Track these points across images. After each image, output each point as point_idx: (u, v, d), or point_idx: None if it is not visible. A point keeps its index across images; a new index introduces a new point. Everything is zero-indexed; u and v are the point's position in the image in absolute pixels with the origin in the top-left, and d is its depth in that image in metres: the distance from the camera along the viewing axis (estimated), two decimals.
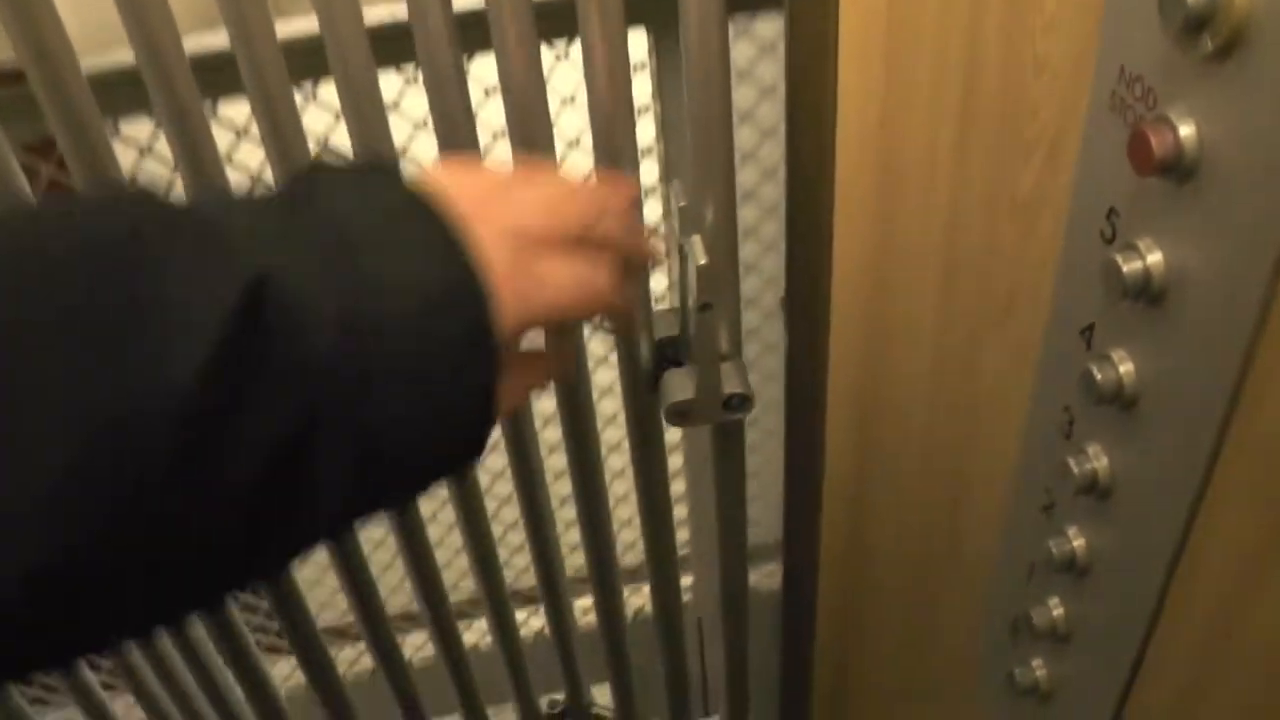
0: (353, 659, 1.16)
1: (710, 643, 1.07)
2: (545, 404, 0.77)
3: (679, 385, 0.65)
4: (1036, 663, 0.52)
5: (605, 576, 0.91)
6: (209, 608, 0.38)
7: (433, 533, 0.86)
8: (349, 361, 0.35)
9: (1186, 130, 0.33)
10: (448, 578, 0.92)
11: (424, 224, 0.39)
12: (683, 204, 0.63)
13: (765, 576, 1.02)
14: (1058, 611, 0.48)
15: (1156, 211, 0.36)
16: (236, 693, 0.92)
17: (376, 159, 0.42)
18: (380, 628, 0.91)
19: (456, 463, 0.41)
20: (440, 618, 0.92)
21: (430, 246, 0.38)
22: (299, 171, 0.41)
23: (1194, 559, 0.39)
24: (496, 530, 0.90)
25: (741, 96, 0.79)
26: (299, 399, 0.34)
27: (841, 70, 0.50)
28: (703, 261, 0.59)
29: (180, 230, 0.34)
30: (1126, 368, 0.39)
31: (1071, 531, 0.45)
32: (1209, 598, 0.39)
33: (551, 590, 0.94)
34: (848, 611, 0.82)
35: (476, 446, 0.41)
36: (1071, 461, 0.42)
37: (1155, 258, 0.36)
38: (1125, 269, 0.36)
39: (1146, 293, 0.36)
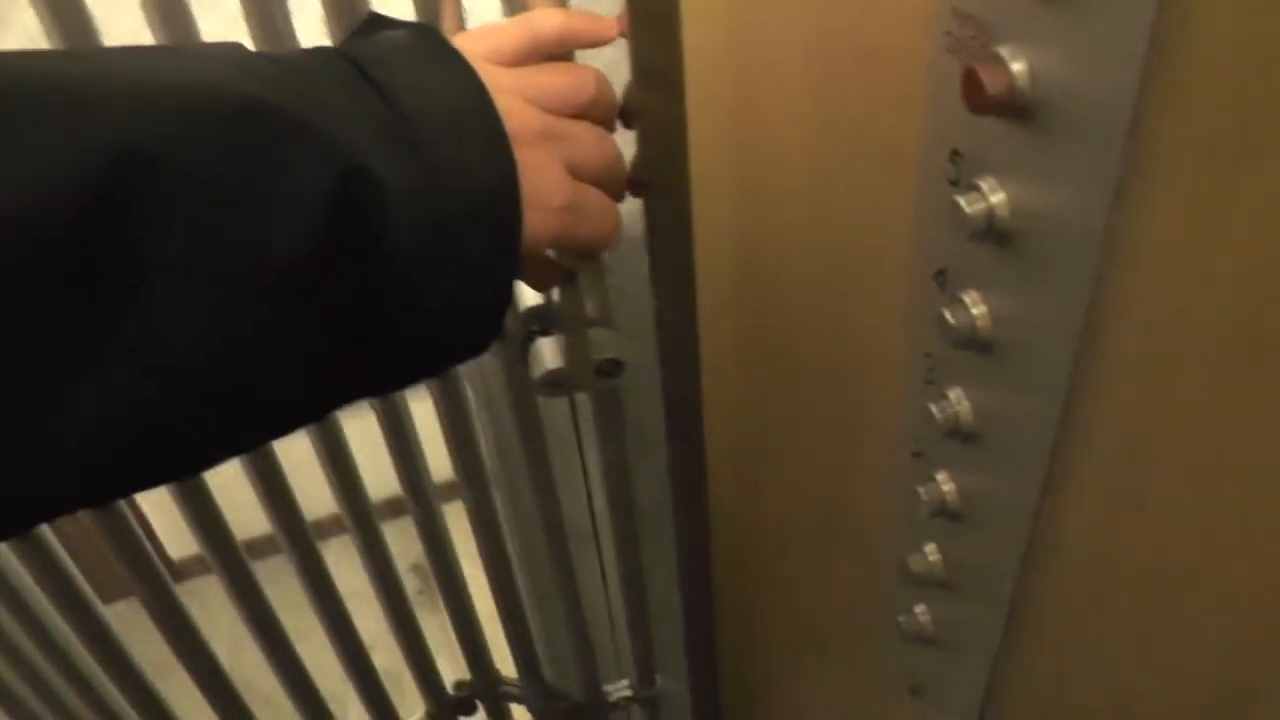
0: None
1: (614, 608, 1.06)
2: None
3: (549, 354, 0.63)
4: (920, 609, 0.52)
5: (495, 555, 0.90)
6: (262, 439, 0.43)
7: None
8: (412, 256, 0.39)
9: (1019, 67, 0.33)
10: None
11: (481, 126, 0.41)
12: None
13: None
14: (935, 557, 0.48)
15: (996, 151, 0.35)
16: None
17: (431, 36, 0.44)
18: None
19: (475, 349, 0.45)
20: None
21: (486, 150, 0.41)
22: (369, 33, 0.44)
23: (1058, 496, 0.39)
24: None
25: None
26: (369, 280, 0.38)
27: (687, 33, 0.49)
28: None
29: (285, 114, 0.37)
30: (980, 310, 0.38)
31: (941, 477, 0.45)
32: (1077, 532, 0.39)
33: (445, 568, 0.93)
34: (747, 568, 0.82)
35: (493, 334, 0.44)
36: (934, 407, 0.42)
37: (999, 198, 0.35)
38: (969, 210, 0.35)
39: (992, 233, 0.36)
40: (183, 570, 2.39)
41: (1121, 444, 0.35)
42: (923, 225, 0.41)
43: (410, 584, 0.97)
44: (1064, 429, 0.37)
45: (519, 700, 1.09)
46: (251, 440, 0.42)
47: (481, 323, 0.43)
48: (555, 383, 0.64)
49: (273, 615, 0.89)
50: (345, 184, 0.37)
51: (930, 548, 0.48)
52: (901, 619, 0.53)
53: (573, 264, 0.57)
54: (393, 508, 0.95)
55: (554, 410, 0.87)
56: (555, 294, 0.62)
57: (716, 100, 0.56)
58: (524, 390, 0.72)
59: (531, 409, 0.74)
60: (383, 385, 0.44)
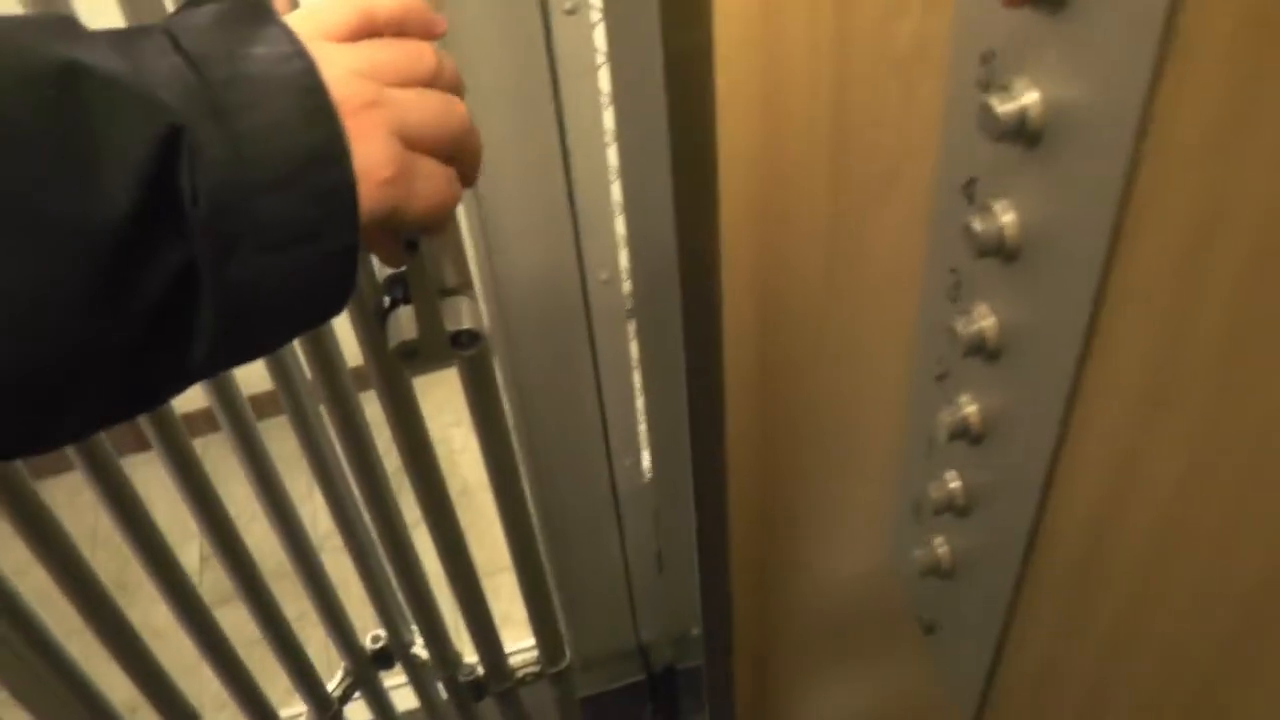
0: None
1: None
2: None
3: (403, 324, 0.62)
4: (939, 540, 0.51)
5: (391, 524, 0.92)
6: (91, 430, 0.42)
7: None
8: (222, 224, 0.38)
9: None
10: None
11: (297, 92, 0.41)
12: None
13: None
14: (955, 484, 0.47)
15: (1030, 47, 0.34)
16: None
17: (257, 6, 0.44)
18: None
19: (316, 319, 0.44)
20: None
21: (302, 117, 0.40)
22: (192, 7, 0.43)
23: (1083, 414, 0.38)
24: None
25: None
26: (184, 254, 0.38)
27: None
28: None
29: (103, 77, 0.37)
30: (1009, 218, 0.37)
31: (964, 398, 0.44)
32: (1101, 444, 0.38)
33: (354, 537, 0.94)
34: (762, 509, 0.82)
35: (337, 305, 0.44)
36: (959, 323, 0.41)
37: (1031, 96, 0.34)
38: (1000, 110, 0.34)
39: (1023, 134, 0.35)
40: None
41: (1148, 356, 0.34)
42: (952, 133, 0.40)
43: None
44: (1091, 337, 0.36)
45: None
46: (69, 427, 0.41)
47: (313, 292, 0.42)
48: (411, 354, 0.63)
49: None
50: (162, 149, 0.37)
51: (950, 474, 0.47)
52: (919, 552, 0.52)
53: (415, 235, 0.56)
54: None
55: None
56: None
57: (745, 17, 0.55)
58: (390, 363, 0.71)
59: (400, 381, 0.74)
60: (212, 365, 0.42)
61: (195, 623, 0.94)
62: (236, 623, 1.01)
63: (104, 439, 0.78)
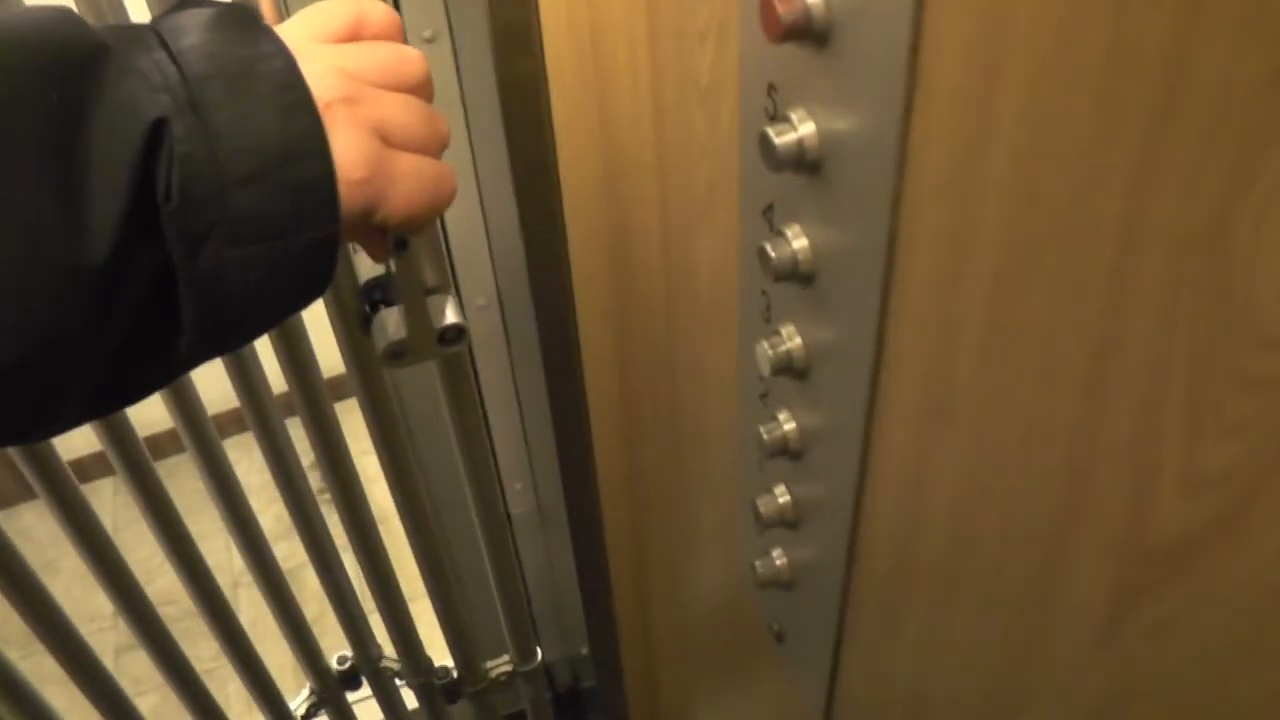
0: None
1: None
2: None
3: (391, 325, 0.63)
4: (776, 552, 0.53)
5: (364, 534, 0.91)
6: (83, 419, 0.43)
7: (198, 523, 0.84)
8: (195, 217, 0.38)
9: None
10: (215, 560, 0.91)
11: (274, 88, 0.41)
12: None
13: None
14: (784, 499, 0.49)
15: (803, 81, 0.36)
16: None
17: (241, 9, 0.44)
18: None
19: (294, 308, 0.45)
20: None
21: (277, 113, 0.41)
22: (179, 9, 0.44)
23: (880, 427, 0.40)
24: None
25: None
26: (160, 252, 0.38)
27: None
28: None
29: (104, 61, 0.38)
30: (801, 243, 0.39)
31: (782, 416, 0.46)
32: (898, 465, 0.40)
33: (320, 552, 0.93)
34: (634, 525, 0.83)
35: (314, 294, 0.44)
36: (767, 344, 0.42)
37: (808, 128, 0.36)
38: (778, 141, 0.36)
39: (803, 164, 0.36)
40: None
41: (929, 367, 0.36)
42: (748, 161, 0.42)
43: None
44: (879, 355, 0.38)
45: (400, 676, 1.10)
46: (70, 412, 0.41)
47: (290, 284, 0.42)
48: (399, 354, 0.64)
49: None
50: (145, 146, 0.37)
51: (779, 488, 0.49)
52: (760, 564, 0.54)
53: (401, 233, 0.57)
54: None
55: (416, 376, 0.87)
56: (392, 264, 0.61)
57: (576, 49, 0.56)
58: (370, 366, 0.71)
59: (378, 384, 0.74)
60: (201, 352, 0.43)
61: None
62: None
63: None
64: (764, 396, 0.47)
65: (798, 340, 0.42)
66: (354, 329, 0.67)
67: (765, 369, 0.43)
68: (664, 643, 0.91)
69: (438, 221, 0.62)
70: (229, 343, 0.44)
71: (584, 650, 1.07)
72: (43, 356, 0.37)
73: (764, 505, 0.49)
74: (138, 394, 0.43)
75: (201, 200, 0.38)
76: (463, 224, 0.75)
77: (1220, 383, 0.23)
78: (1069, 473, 0.29)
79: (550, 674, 1.23)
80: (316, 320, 0.70)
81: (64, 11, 0.39)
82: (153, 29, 0.41)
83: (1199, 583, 0.26)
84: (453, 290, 0.63)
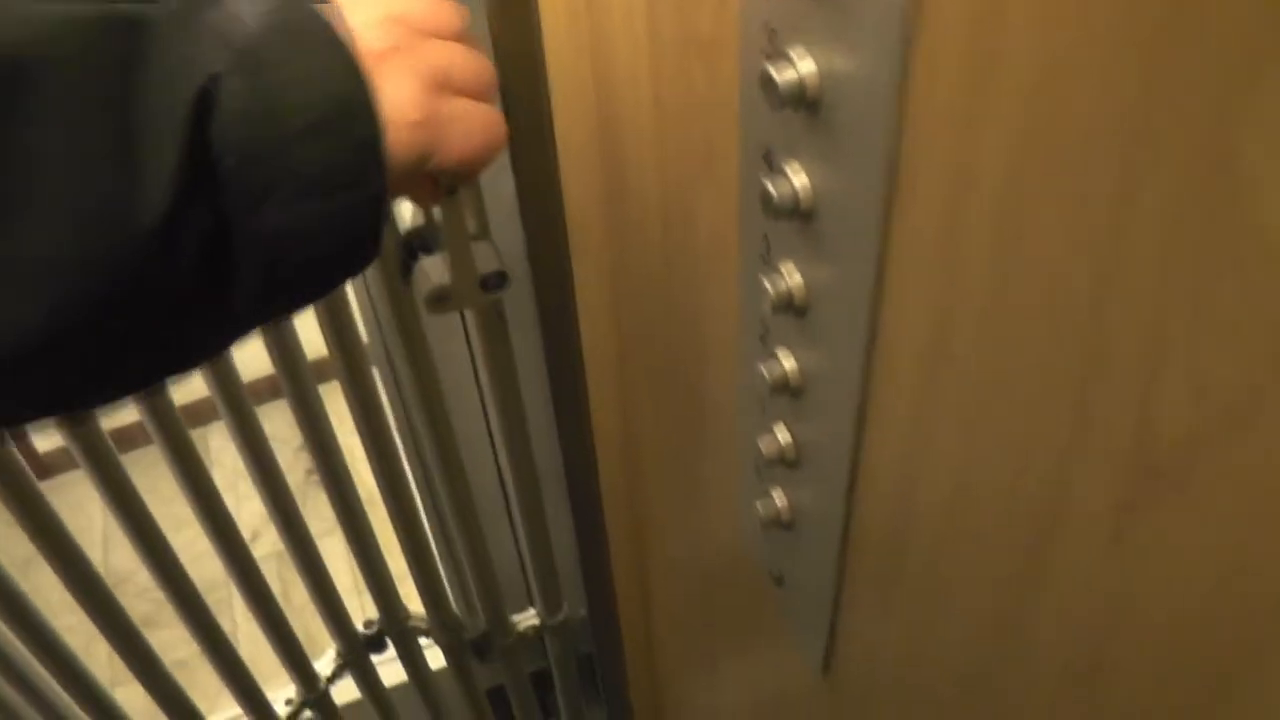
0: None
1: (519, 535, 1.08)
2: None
3: (433, 271, 0.64)
4: (776, 493, 0.54)
5: (396, 488, 0.91)
6: (147, 384, 0.44)
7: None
8: (253, 174, 0.39)
9: None
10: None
11: (322, 46, 0.42)
12: None
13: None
14: (784, 438, 0.50)
15: (802, 19, 0.37)
16: None
17: None
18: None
19: (350, 268, 0.45)
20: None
21: (328, 68, 0.41)
22: None
23: (882, 366, 0.41)
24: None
25: None
26: (215, 211, 0.39)
27: None
28: None
29: (150, 27, 0.38)
30: (801, 180, 0.40)
31: (781, 353, 0.47)
32: (900, 405, 0.41)
33: (349, 512, 0.94)
34: (630, 485, 0.84)
35: (368, 253, 0.44)
36: (767, 282, 0.44)
37: (807, 65, 0.37)
38: (779, 79, 0.37)
39: (804, 102, 0.37)
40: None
41: (932, 300, 0.37)
42: (748, 106, 0.43)
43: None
44: (880, 291, 0.39)
45: (427, 634, 1.11)
46: (125, 381, 0.42)
47: (342, 241, 0.43)
48: (442, 299, 0.65)
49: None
50: (197, 106, 0.38)
51: (779, 427, 0.50)
52: (760, 505, 0.55)
53: (452, 180, 0.57)
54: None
55: (445, 332, 0.88)
56: (434, 212, 0.63)
57: (570, 12, 0.57)
58: (411, 316, 0.72)
59: (418, 334, 0.75)
60: (258, 313, 0.43)
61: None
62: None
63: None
64: (764, 336, 0.49)
65: (798, 278, 0.43)
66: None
67: (766, 306, 0.44)
68: (663, 601, 0.93)
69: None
70: (283, 304, 0.45)
71: (582, 612, 1.08)
72: (98, 320, 0.37)
73: (765, 444, 0.50)
74: (193, 360, 0.44)
75: (259, 156, 0.39)
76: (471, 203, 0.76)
77: (1220, 289, 0.24)
78: (1072, 401, 0.30)
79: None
80: None
81: None
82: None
83: (1204, 492, 0.27)
84: (490, 239, 0.64)
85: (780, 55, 0.38)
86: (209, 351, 0.45)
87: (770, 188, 0.40)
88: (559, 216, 0.64)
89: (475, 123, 0.47)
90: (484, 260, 0.64)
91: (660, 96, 0.52)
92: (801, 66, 0.37)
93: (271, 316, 0.45)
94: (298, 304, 0.45)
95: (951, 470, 0.40)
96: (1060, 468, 0.32)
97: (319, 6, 0.43)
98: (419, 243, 0.65)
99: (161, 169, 0.37)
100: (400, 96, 0.43)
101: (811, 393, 0.46)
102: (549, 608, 1.06)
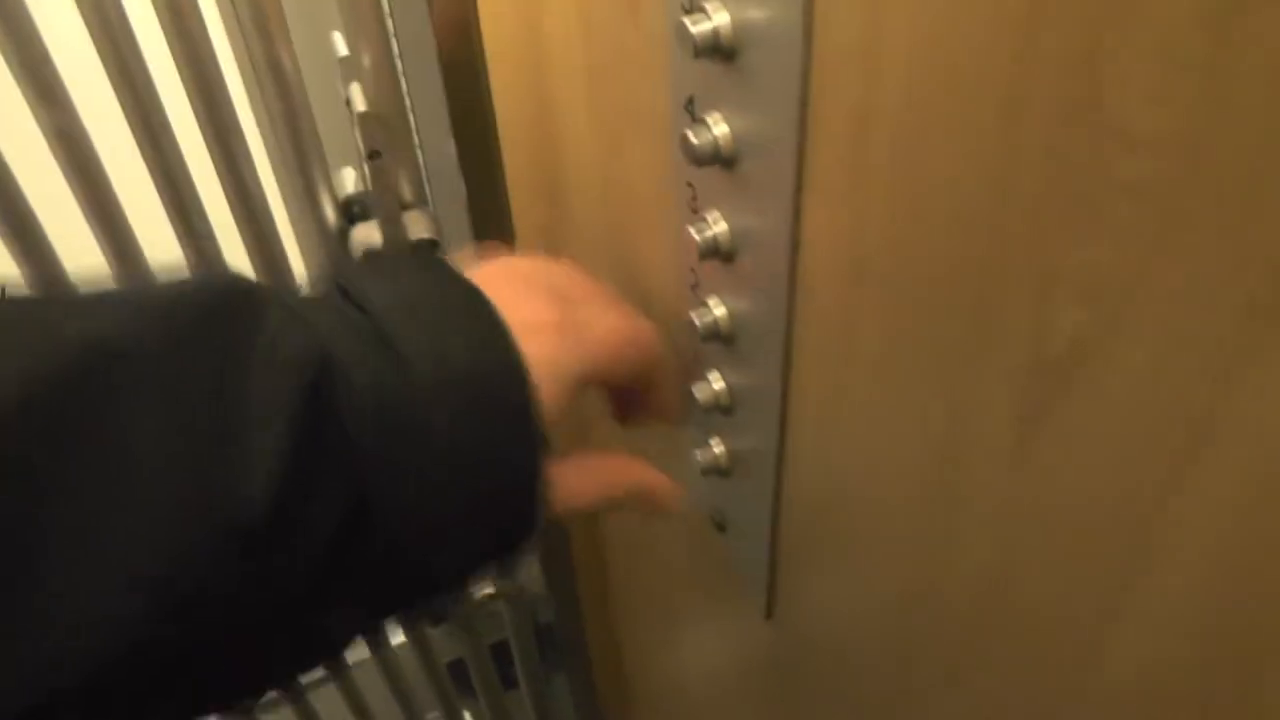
0: None
1: None
2: None
3: (366, 237, 0.66)
4: (714, 441, 0.56)
5: None
6: (261, 691, 0.39)
7: None
8: (395, 452, 0.36)
9: None
10: None
11: (461, 311, 0.40)
12: (343, 54, 0.63)
13: None
14: (718, 385, 0.52)
15: None
16: None
17: (420, 251, 0.44)
18: None
19: (506, 549, 0.42)
20: None
21: (469, 333, 0.39)
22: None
23: (805, 302, 0.43)
24: None
25: None
26: (351, 491, 0.35)
27: None
28: (363, 109, 0.60)
29: (260, 304, 0.35)
30: (721, 129, 0.42)
31: (712, 302, 0.48)
32: (819, 339, 0.43)
33: None
34: (579, 443, 0.85)
35: (528, 531, 0.41)
36: (693, 230, 0.45)
37: (722, 17, 0.39)
38: (694, 30, 0.39)
39: (720, 50, 0.39)
40: None
41: (842, 237, 0.39)
42: (673, 58, 0.45)
43: None
44: (798, 232, 0.40)
45: None
46: (220, 699, 0.37)
47: (499, 515, 0.40)
48: None
49: None
50: (312, 385, 0.34)
51: (713, 374, 0.52)
52: (699, 452, 0.57)
53: (377, 145, 0.58)
54: None
55: None
56: (368, 179, 0.64)
57: None
58: None
59: None
60: (383, 605, 0.39)
61: None
62: None
63: None
64: (695, 287, 0.50)
65: (723, 225, 0.45)
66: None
67: (694, 255, 0.46)
68: (618, 558, 0.94)
69: (413, 130, 0.64)
70: (423, 591, 0.40)
71: (538, 578, 1.10)
72: (185, 626, 0.32)
73: (700, 392, 0.52)
74: (315, 658, 0.39)
75: (400, 428, 0.36)
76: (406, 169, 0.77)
77: (1098, 190, 0.26)
78: (976, 305, 0.32)
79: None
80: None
81: (232, 273, 0.38)
82: (333, 281, 0.41)
83: (1092, 387, 0.29)
84: (429, 207, 0.65)
85: (697, 8, 0.39)
86: (327, 652, 0.39)
87: (692, 136, 0.42)
88: (500, 181, 0.66)
89: (610, 313, 0.46)
90: (416, 227, 0.65)
91: (591, 54, 0.53)
92: (716, 18, 0.39)
93: (404, 609, 0.41)
94: (439, 589, 0.41)
95: (866, 405, 0.41)
96: (965, 387, 0.34)
97: (456, 278, 0.41)
98: (357, 210, 0.66)
99: (266, 462, 0.33)
100: (524, 310, 0.42)
101: (741, 339, 0.48)
102: (505, 575, 1.07)
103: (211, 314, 0.34)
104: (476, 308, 0.41)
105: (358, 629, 0.39)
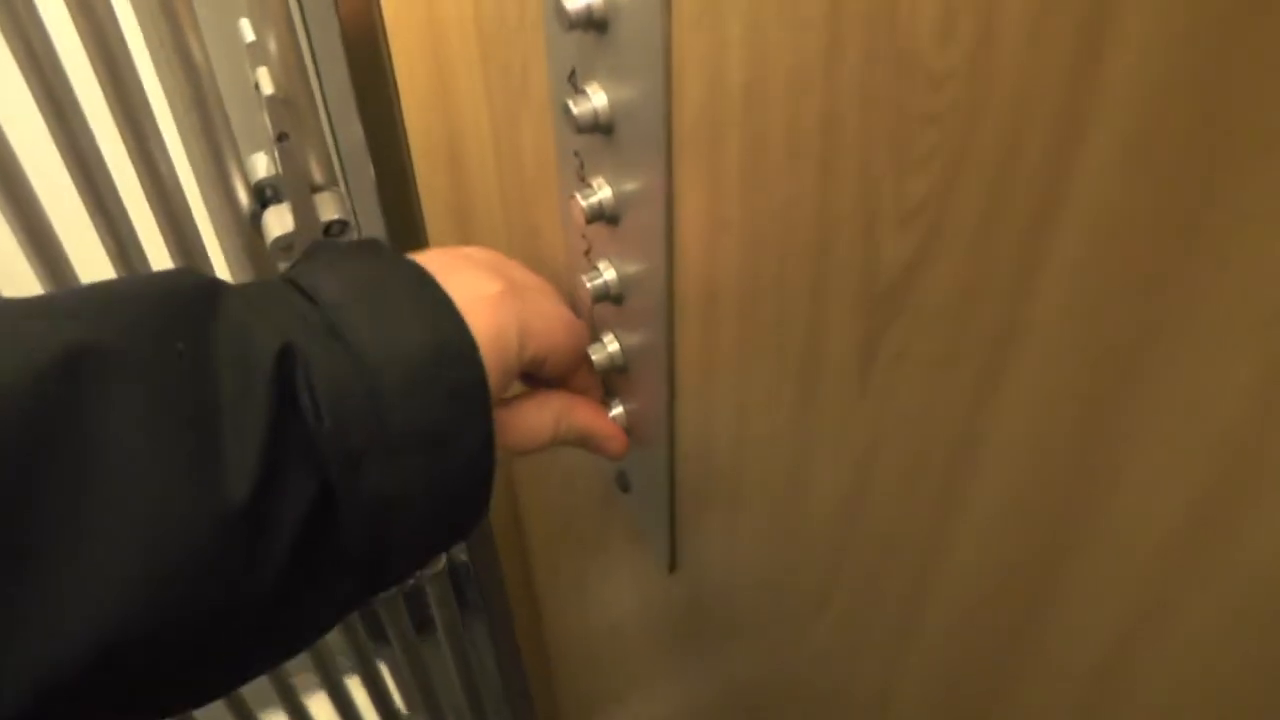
0: None
1: None
2: None
3: (278, 221, 0.67)
4: (613, 402, 0.58)
5: None
6: (239, 683, 0.40)
7: None
8: (353, 435, 0.37)
9: None
10: None
11: (407, 293, 0.41)
12: (250, 40, 0.65)
13: None
14: (613, 346, 0.55)
15: None
16: None
17: (368, 240, 0.45)
18: None
19: (462, 522, 0.44)
20: None
21: (416, 314, 0.41)
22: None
23: (678, 262, 0.46)
24: None
25: None
26: (317, 477, 0.36)
27: None
28: (270, 92, 0.62)
29: (229, 299, 0.37)
30: (600, 98, 0.45)
31: (603, 265, 0.51)
32: (696, 288, 0.45)
33: None
34: None
35: (481, 506, 0.43)
36: (580, 196, 0.48)
37: None
38: (568, 6, 0.41)
39: (593, 23, 0.42)
40: None
41: (707, 188, 0.41)
42: (552, 32, 0.47)
43: None
44: (670, 191, 0.43)
45: None
46: (213, 686, 0.38)
47: (455, 492, 0.41)
48: (288, 247, 0.68)
49: None
50: (277, 372, 0.36)
51: (608, 337, 0.55)
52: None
53: (285, 130, 0.60)
54: None
55: None
56: (279, 162, 0.65)
57: None
58: (266, 266, 0.75)
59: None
60: (361, 589, 0.40)
61: None
62: None
63: None
64: (588, 252, 0.53)
65: (607, 190, 0.48)
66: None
67: (580, 219, 0.48)
68: (532, 509, 0.97)
69: (321, 112, 0.66)
70: (390, 575, 0.42)
71: (462, 555, 1.11)
72: (185, 613, 0.34)
73: (595, 353, 0.55)
74: (286, 651, 0.40)
75: (355, 415, 0.37)
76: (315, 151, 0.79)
77: (909, 125, 0.29)
78: (819, 242, 0.35)
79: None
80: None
81: (183, 268, 0.41)
82: (283, 276, 0.42)
83: (919, 310, 0.32)
84: (341, 188, 0.67)
85: None
86: (298, 647, 0.41)
87: (573, 107, 0.45)
88: (407, 161, 0.68)
89: (550, 301, 0.49)
90: (327, 209, 0.67)
91: (482, 30, 0.55)
92: None
93: (369, 596, 0.42)
94: (400, 576, 0.42)
95: (737, 351, 0.44)
96: (816, 322, 0.37)
97: (401, 262, 0.43)
98: (270, 193, 0.68)
99: (244, 448, 0.34)
100: (468, 285, 0.44)
101: (630, 301, 0.51)
102: None
103: (176, 311, 0.36)
104: (424, 290, 0.42)
105: (327, 617, 0.41)
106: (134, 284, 0.37)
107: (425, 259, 0.45)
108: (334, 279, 0.41)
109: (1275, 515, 0.22)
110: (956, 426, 0.32)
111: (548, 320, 0.48)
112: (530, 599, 1.09)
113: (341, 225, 0.68)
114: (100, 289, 0.36)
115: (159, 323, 0.35)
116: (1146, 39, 0.21)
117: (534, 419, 0.50)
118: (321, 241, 0.49)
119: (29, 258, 0.69)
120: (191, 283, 0.37)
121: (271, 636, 0.38)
